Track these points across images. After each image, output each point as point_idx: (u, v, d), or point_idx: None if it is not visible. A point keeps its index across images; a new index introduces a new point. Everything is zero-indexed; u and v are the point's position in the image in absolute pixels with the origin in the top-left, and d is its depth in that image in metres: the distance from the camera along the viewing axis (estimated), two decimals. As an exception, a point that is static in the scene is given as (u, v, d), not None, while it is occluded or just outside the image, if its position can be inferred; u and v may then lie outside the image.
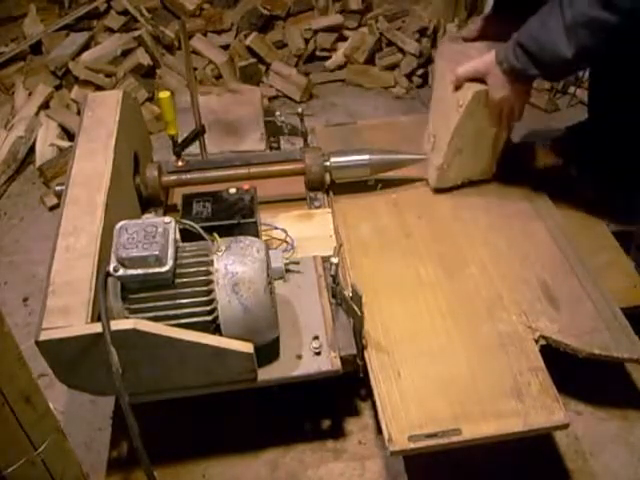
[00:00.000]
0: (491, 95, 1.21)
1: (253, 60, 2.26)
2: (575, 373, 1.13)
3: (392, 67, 2.27)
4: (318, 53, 2.35)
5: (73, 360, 0.91)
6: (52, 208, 1.81)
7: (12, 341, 0.81)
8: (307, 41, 2.33)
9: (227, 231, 1.05)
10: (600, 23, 1.05)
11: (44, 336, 0.88)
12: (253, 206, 1.17)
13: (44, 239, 1.68)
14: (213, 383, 1.01)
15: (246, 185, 1.22)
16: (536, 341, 1.08)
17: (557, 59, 1.11)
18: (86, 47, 2.28)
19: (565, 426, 0.98)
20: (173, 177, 1.34)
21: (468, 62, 1.23)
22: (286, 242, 1.24)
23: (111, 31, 2.35)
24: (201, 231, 1.02)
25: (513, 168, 1.42)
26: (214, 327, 0.95)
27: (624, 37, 1.08)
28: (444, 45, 1.37)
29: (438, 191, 1.37)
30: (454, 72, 1.24)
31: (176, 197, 1.38)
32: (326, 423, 1.22)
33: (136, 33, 2.27)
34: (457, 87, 1.26)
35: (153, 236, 0.93)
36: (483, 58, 1.21)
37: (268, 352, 1.03)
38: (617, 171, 1.51)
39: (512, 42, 1.16)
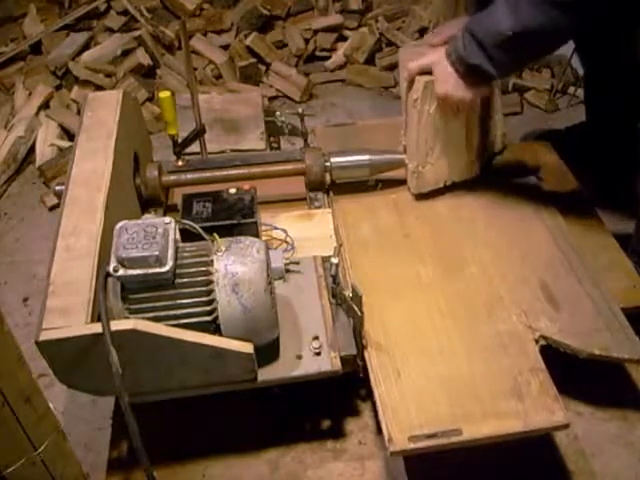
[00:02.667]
0: (436, 88, 1.18)
1: (253, 60, 2.25)
2: (575, 373, 1.13)
3: (392, 67, 2.27)
4: (318, 53, 2.35)
5: (73, 360, 0.91)
6: (52, 208, 1.81)
7: (12, 341, 0.81)
8: (307, 41, 2.33)
9: (227, 231, 1.05)
10: (545, 2, 1.00)
11: (44, 336, 0.88)
12: (253, 206, 1.17)
13: (44, 239, 1.68)
14: (213, 383, 1.01)
15: (246, 185, 1.22)
16: (536, 341, 1.08)
17: (498, 37, 1.05)
18: (86, 47, 2.28)
19: (565, 426, 0.98)
20: (173, 177, 1.34)
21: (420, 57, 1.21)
22: (286, 242, 1.24)
23: (111, 31, 2.34)
24: (201, 231, 1.02)
25: (513, 168, 1.42)
26: (214, 327, 0.95)
27: (575, 24, 1.03)
28: (404, 51, 1.35)
29: (421, 197, 1.35)
30: (406, 68, 1.23)
31: (176, 197, 1.38)
32: (326, 423, 1.22)
33: (136, 33, 2.27)
34: (411, 84, 1.24)
35: (153, 236, 0.93)
36: (434, 51, 1.19)
37: (268, 352, 1.03)
38: (617, 170, 1.52)
39: (462, 31, 1.13)
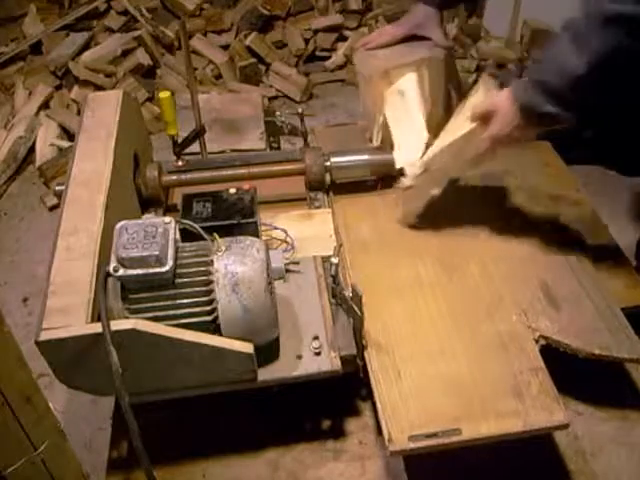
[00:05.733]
0: (493, 132, 1.08)
1: (253, 60, 2.26)
2: (575, 373, 1.13)
3: (392, 67, 2.27)
4: (318, 53, 2.35)
5: (73, 360, 0.91)
6: (52, 208, 1.81)
7: (12, 341, 0.81)
8: (307, 41, 2.33)
9: (227, 231, 1.05)
10: (625, 18, 0.87)
11: (44, 336, 0.88)
12: (253, 206, 1.17)
13: (44, 239, 1.68)
14: (213, 383, 1.01)
15: (246, 185, 1.22)
16: (536, 341, 1.08)
17: (567, 78, 0.96)
18: (86, 47, 2.29)
19: (565, 426, 0.98)
20: (173, 177, 1.34)
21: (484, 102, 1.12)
22: (286, 242, 1.24)
23: (111, 31, 2.35)
24: (201, 231, 1.02)
25: (512, 168, 1.42)
26: (214, 327, 0.95)
27: None
28: (359, 55, 1.32)
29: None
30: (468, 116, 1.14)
31: (176, 197, 1.38)
32: (326, 423, 1.22)
33: (136, 33, 2.27)
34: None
35: (153, 236, 0.93)
36: (498, 95, 1.09)
37: (268, 352, 1.03)
38: (617, 169, 1.52)
39: (525, 79, 1.04)
